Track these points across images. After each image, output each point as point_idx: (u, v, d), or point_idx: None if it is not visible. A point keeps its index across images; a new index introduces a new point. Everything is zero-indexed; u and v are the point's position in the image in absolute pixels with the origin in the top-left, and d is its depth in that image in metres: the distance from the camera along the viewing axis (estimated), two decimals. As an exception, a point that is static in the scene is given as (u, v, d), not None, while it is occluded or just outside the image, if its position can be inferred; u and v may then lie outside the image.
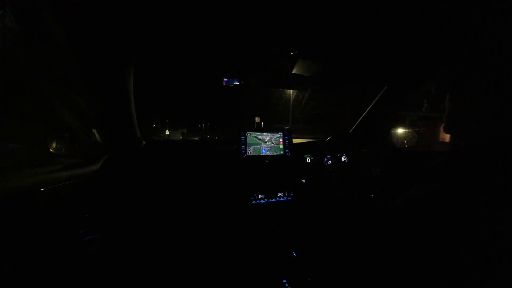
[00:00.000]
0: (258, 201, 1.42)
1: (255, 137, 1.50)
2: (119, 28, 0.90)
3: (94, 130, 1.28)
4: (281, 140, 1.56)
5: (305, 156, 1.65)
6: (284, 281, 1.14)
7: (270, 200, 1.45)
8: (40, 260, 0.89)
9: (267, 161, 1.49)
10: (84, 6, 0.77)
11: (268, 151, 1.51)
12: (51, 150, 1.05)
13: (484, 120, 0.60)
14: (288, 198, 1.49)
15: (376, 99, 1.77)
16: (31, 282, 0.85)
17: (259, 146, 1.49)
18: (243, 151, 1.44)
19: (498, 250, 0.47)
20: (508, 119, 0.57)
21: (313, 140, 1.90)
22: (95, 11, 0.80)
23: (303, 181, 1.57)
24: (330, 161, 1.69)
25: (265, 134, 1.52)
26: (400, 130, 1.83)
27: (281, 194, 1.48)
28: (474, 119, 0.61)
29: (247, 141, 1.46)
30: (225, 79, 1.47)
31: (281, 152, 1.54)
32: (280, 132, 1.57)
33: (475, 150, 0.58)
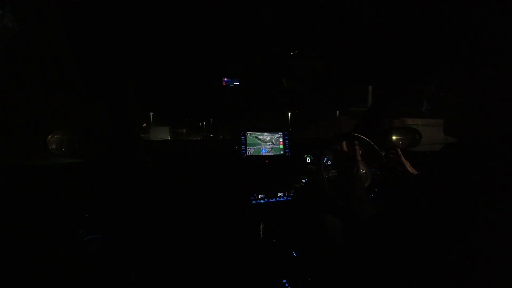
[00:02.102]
0: (258, 201, 1.42)
1: (256, 137, 1.50)
2: (118, 28, 0.90)
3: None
4: (281, 140, 1.56)
5: (305, 156, 1.65)
6: (284, 281, 1.14)
7: (270, 200, 1.45)
8: (40, 260, 0.89)
9: (267, 161, 1.49)
10: (83, 7, 0.77)
11: (268, 151, 1.51)
12: (52, 151, 1.05)
13: (484, 120, 0.60)
14: (288, 198, 1.49)
15: (377, 99, 1.77)
16: (31, 282, 0.85)
17: (259, 146, 1.49)
18: (243, 151, 1.44)
19: (498, 250, 0.47)
20: (508, 119, 0.57)
21: (313, 140, 1.90)
22: (95, 11, 0.80)
23: (303, 181, 1.57)
24: (330, 161, 1.68)
25: (265, 134, 1.52)
26: (400, 130, 1.82)
27: (281, 194, 1.48)
28: (474, 120, 0.61)
29: (247, 141, 1.47)
30: (225, 79, 1.47)
31: (281, 152, 1.54)
32: (280, 132, 1.57)
33: (475, 149, 0.58)
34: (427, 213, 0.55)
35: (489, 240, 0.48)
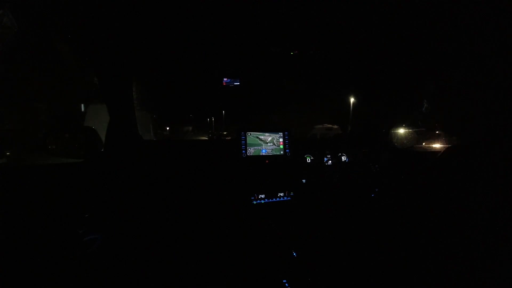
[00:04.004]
0: (258, 201, 1.42)
1: (256, 137, 1.50)
2: (120, 30, 0.90)
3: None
4: (281, 140, 1.56)
5: (305, 156, 1.65)
6: (284, 281, 1.15)
7: (270, 200, 1.45)
8: (40, 260, 0.89)
9: (267, 161, 1.49)
10: (88, 11, 0.78)
11: (268, 151, 1.51)
12: (51, 150, 1.05)
13: (482, 119, 0.60)
14: (288, 198, 1.49)
15: (377, 99, 1.77)
16: (31, 282, 0.85)
17: (259, 147, 1.49)
18: (243, 151, 1.44)
19: (496, 248, 0.47)
20: (506, 118, 0.57)
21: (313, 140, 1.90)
22: (99, 15, 0.80)
23: (303, 181, 1.57)
24: (330, 161, 1.69)
25: (267, 134, 1.52)
26: (400, 130, 1.83)
27: (281, 194, 1.48)
28: (472, 118, 0.62)
29: (248, 142, 1.46)
30: (225, 79, 1.47)
31: (281, 152, 1.54)
32: (281, 132, 1.57)
33: (473, 149, 0.58)
34: (427, 213, 0.55)
35: (489, 239, 0.48)
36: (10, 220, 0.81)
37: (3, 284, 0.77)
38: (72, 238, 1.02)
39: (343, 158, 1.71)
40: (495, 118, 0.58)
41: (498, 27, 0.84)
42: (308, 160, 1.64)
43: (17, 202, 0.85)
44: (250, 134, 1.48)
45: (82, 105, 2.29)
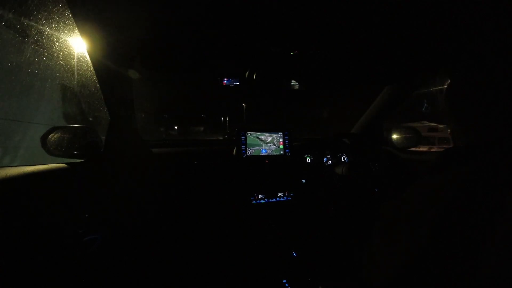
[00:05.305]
0: (258, 201, 1.42)
1: (256, 137, 1.50)
2: (121, 29, 0.90)
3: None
4: (281, 140, 1.56)
5: (305, 156, 1.65)
6: (284, 281, 1.15)
7: (270, 200, 1.45)
8: (40, 260, 0.89)
9: (267, 161, 1.49)
10: (88, 11, 0.77)
11: (268, 151, 1.51)
12: (51, 151, 1.05)
13: (486, 119, 0.60)
14: (288, 198, 1.50)
15: (378, 99, 1.77)
16: (31, 282, 0.85)
17: (259, 147, 1.49)
18: (243, 151, 1.44)
19: (497, 250, 0.47)
20: (509, 118, 0.57)
21: (313, 139, 1.90)
22: (99, 15, 0.80)
23: (303, 181, 1.57)
24: (330, 161, 1.69)
25: (267, 134, 1.52)
26: (399, 130, 1.82)
27: (281, 194, 1.48)
28: (476, 118, 0.62)
29: (248, 142, 1.46)
30: (225, 79, 1.47)
31: (281, 152, 1.54)
32: (281, 132, 1.57)
33: (475, 150, 0.58)
34: (426, 212, 0.55)
35: (491, 242, 0.48)
36: (10, 220, 0.82)
37: (3, 284, 0.77)
38: (72, 238, 1.02)
39: (343, 158, 1.71)
40: (495, 119, 0.58)
41: (498, 27, 0.84)
42: (308, 160, 1.65)
43: (17, 202, 0.85)
44: (250, 134, 1.48)
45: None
